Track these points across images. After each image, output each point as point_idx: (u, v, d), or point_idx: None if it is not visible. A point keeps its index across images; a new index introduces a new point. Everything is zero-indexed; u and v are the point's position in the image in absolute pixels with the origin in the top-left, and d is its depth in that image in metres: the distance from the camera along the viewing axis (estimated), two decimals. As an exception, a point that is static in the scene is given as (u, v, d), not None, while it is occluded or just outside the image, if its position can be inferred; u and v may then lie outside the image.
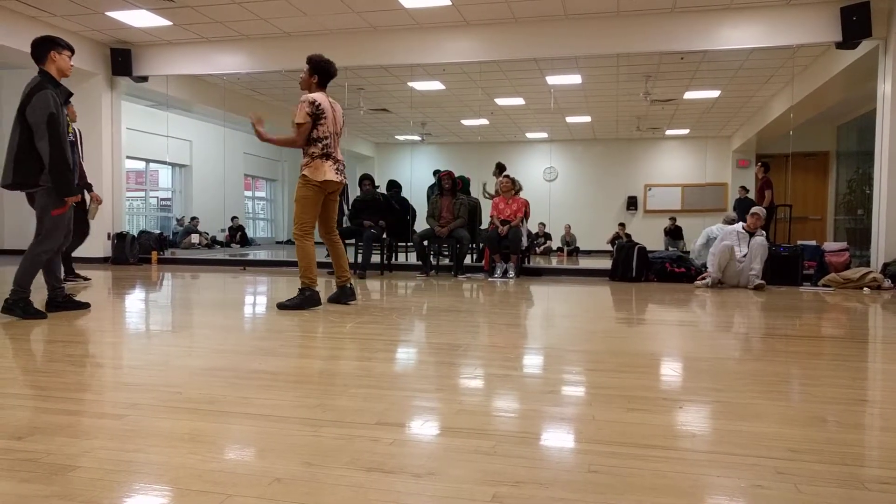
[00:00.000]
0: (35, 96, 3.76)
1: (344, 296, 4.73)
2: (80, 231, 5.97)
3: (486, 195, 10.05)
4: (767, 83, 10.48)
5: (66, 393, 2.21)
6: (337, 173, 4.45)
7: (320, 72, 4.44)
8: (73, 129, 5.98)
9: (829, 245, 7.47)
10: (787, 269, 7.02)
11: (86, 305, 4.31)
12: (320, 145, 4.36)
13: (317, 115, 4.32)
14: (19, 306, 3.89)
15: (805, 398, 2.24)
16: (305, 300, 4.43)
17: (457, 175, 8.12)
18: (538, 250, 13.11)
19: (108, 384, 2.34)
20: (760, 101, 11.76)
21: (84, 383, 2.35)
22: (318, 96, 4.38)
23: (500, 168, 9.41)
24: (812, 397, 2.25)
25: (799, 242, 7.86)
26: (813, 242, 7.92)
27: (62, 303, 4.19)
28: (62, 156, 3.80)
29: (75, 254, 6.50)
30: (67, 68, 3.98)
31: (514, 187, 7.92)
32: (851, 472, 1.55)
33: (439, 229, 7.67)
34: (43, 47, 3.90)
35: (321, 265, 4.86)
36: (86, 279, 6.50)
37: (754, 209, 6.85)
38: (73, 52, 4.03)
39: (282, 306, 4.42)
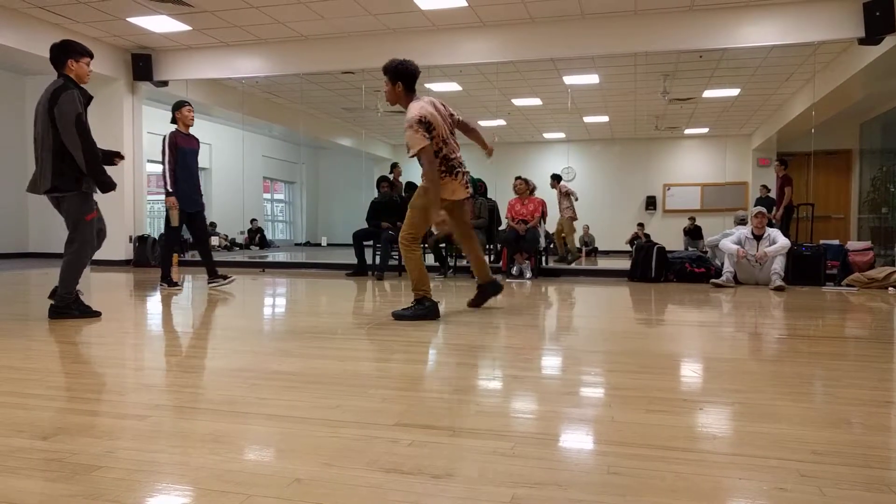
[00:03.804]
0: (61, 96, 3.75)
1: (492, 289, 4.42)
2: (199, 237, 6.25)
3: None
4: (788, 81, 10.35)
5: (89, 394, 2.24)
6: (465, 187, 4.18)
7: (402, 76, 3.97)
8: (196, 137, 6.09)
9: (853, 244, 7.35)
10: (809, 268, 6.92)
11: (96, 314, 4.09)
12: (440, 156, 4.01)
13: (428, 127, 3.90)
14: (72, 308, 3.96)
15: (828, 400, 2.21)
16: (424, 311, 4.01)
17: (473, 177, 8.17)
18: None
19: (130, 385, 2.37)
20: (781, 98, 11.61)
21: (107, 384, 2.39)
22: (419, 108, 3.90)
23: (557, 179, 9.60)
24: (836, 399, 2.22)
25: (822, 242, 7.74)
26: (836, 242, 7.79)
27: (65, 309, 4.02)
28: (94, 155, 3.83)
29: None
30: (85, 75, 3.98)
31: (528, 188, 8.04)
32: (877, 475, 1.52)
33: None
34: (61, 56, 3.89)
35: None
36: (228, 278, 6.40)
37: (757, 209, 6.82)
38: (91, 57, 4.01)
39: (397, 315, 4.03)
